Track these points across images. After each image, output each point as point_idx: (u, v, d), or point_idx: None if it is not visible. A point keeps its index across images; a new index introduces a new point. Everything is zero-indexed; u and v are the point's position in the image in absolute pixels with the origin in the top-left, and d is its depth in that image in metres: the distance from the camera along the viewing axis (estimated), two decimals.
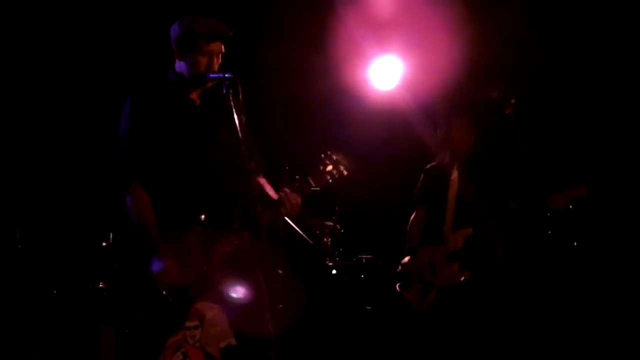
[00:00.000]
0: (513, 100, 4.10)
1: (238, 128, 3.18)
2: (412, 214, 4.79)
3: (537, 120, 5.02)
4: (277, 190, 3.51)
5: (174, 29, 3.33)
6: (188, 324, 4.09)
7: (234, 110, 3.17)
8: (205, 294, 3.30)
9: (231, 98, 3.18)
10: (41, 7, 5.23)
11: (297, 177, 3.49)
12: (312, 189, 3.42)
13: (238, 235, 3.31)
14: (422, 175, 4.77)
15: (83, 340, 4.58)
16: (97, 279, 4.85)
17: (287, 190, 3.33)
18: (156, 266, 3.14)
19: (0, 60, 5.14)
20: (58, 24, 5.30)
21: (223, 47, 3.32)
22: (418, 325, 4.61)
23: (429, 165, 4.77)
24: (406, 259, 4.63)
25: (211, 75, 3.26)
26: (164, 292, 3.17)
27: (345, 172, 3.52)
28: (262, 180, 3.45)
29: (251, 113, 3.32)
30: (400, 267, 4.65)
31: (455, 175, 4.56)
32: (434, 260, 4.49)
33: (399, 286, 4.62)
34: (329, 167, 3.49)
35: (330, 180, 3.49)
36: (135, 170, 3.22)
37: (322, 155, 3.51)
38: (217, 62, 3.32)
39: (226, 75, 3.22)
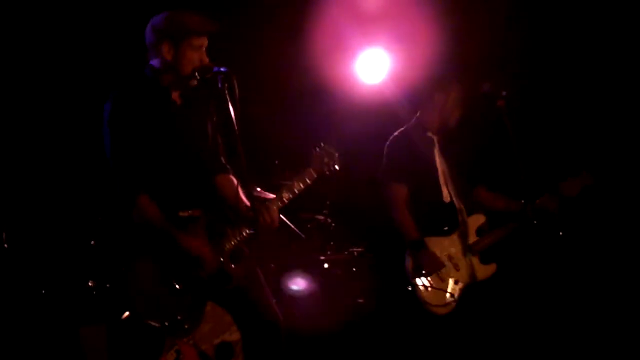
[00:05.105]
0: (504, 93, 4.06)
1: (214, 127, 3.39)
2: (388, 193, 4.30)
3: (527, 112, 5.03)
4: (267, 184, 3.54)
5: (158, 24, 3.25)
6: None
7: (214, 109, 3.35)
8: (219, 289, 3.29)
9: (226, 92, 3.18)
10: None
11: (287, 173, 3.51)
12: (296, 191, 3.42)
13: (238, 231, 3.31)
14: (392, 147, 4.36)
15: (71, 340, 4.52)
16: (86, 278, 4.79)
17: (272, 204, 3.31)
18: (188, 253, 3.16)
19: None
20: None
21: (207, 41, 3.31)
22: (433, 326, 4.14)
23: (397, 134, 4.39)
24: (417, 254, 4.15)
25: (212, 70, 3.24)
26: (205, 276, 3.19)
27: (337, 167, 3.56)
28: (234, 180, 3.44)
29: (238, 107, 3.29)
30: (412, 266, 4.17)
31: (437, 148, 4.33)
32: (452, 253, 4.21)
33: (416, 288, 4.13)
34: (325, 159, 3.53)
35: (327, 172, 3.53)
36: (136, 183, 3.19)
37: (318, 148, 3.54)
38: (205, 56, 3.30)
39: (221, 69, 3.22)
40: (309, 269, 5.29)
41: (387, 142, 4.41)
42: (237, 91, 3.19)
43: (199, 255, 3.18)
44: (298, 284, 5.02)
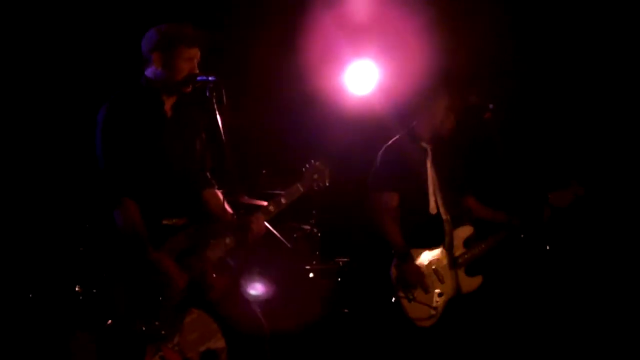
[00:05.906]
0: (491, 105, 4.10)
1: (203, 144, 3.42)
2: (375, 202, 4.26)
3: (514, 124, 5.07)
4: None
5: (151, 36, 3.32)
6: None
7: (204, 125, 3.39)
8: (202, 298, 3.30)
9: (214, 101, 3.21)
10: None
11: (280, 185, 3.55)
12: (282, 204, 3.47)
13: (222, 242, 3.33)
14: (384, 156, 4.34)
15: (59, 345, 4.52)
16: (74, 283, 4.79)
17: (259, 214, 3.35)
18: (159, 275, 3.15)
19: None
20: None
21: (199, 54, 3.35)
22: (416, 338, 4.12)
23: (390, 143, 4.38)
24: (402, 266, 4.13)
25: (196, 79, 3.27)
26: (173, 298, 3.19)
27: (327, 183, 3.64)
28: (219, 195, 3.49)
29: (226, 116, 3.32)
30: (396, 277, 4.14)
31: (430, 158, 4.32)
32: (438, 266, 4.19)
33: (400, 300, 4.11)
34: (315, 176, 3.60)
35: (316, 188, 3.61)
36: (124, 185, 3.21)
37: (308, 165, 3.62)
38: (196, 68, 3.33)
39: (210, 78, 3.25)
40: (265, 273, 5.31)
41: (380, 151, 4.40)
42: (225, 100, 3.22)
43: (165, 272, 3.16)
44: (256, 288, 5.06)
